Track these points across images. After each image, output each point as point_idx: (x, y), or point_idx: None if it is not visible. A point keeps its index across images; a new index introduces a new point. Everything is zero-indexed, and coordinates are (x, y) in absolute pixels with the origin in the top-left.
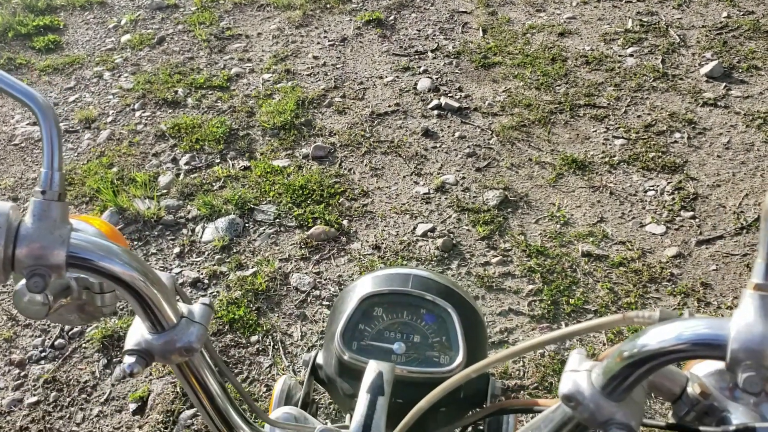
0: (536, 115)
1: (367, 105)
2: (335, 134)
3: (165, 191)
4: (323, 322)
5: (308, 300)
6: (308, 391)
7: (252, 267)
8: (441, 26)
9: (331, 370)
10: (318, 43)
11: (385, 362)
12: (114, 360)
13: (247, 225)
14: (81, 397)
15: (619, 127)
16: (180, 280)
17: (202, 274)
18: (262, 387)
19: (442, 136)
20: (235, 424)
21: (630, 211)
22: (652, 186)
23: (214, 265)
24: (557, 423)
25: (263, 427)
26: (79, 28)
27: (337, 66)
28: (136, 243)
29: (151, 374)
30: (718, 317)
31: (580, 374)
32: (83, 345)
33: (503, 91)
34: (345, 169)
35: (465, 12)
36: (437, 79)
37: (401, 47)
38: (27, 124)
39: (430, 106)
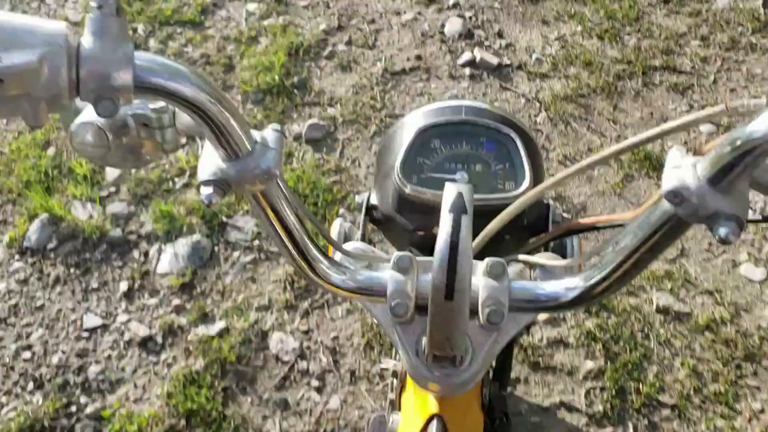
0: (598, 81)
1: (379, 56)
2: (336, 103)
3: (113, 189)
4: (309, 414)
5: (292, 377)
6: (364, 233)
7: (220, 319)
8: None
9: (388, 208)
10: None
11: (463, 183)
12: None
13: (216, 248)
14: None
15: (705, 104)
16: (126, 336)
17: (154, 328)
18: None
19: None
20: (313, 257)
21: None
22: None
23: (171, 312)
24: (654, 224)
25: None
26: None
27: None
28: (74, 271)
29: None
30: None
31: (684, 169)
32: None
33: (556, 39)
34: (347, 158)
35: None
36: (471, 18)
37: None
38: None
39: (460, 61)
